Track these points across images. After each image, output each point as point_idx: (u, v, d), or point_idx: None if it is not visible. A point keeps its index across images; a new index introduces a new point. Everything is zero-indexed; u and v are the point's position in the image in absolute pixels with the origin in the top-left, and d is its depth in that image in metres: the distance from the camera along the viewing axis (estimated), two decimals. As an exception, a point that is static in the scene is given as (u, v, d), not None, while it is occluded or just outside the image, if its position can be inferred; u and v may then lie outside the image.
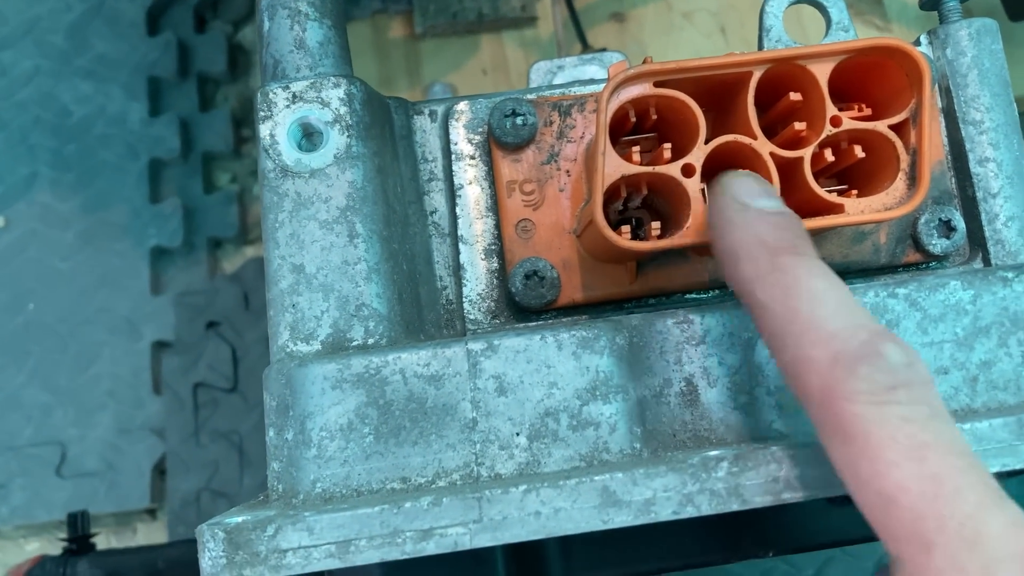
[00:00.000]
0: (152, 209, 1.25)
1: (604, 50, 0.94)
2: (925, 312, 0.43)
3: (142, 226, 1.24)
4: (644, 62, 0.44)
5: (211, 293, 1.20)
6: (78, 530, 0.91)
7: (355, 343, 0.44)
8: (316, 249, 0.45)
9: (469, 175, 0.51)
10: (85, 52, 1.32)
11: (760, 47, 0.54)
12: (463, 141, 0.51)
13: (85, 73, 1.31)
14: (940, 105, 0.52)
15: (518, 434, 0.41)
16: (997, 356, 0.43)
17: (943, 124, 0.52)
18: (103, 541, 1.16)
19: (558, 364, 0.42)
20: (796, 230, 0.39)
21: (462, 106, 0.51)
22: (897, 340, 0.35)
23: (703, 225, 0.43)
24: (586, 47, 1.00)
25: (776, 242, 0.38)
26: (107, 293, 1.21)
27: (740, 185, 0.41)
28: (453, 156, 0.51)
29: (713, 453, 0.40)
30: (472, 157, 0.51)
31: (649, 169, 0.44)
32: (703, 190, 0.47)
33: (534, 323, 0.49)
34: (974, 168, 0.50)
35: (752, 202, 0.40)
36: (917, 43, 0.53)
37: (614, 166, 0.44)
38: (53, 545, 1.12)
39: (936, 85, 0.51)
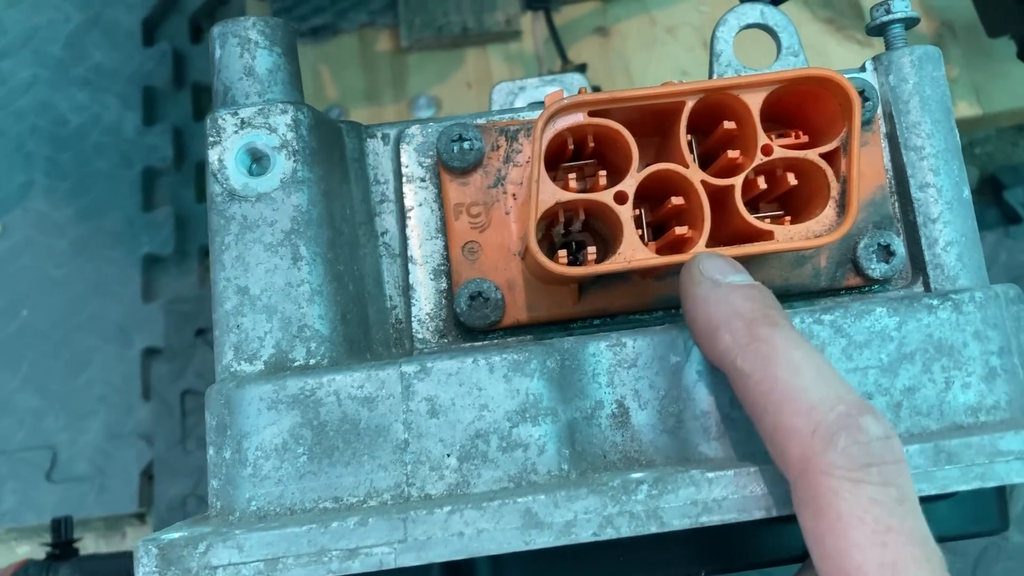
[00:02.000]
0: (145, 217, 1.27)
1: (572, 70, 0.95)
2: (850, 338, 0.44)
3: (135, 234, 1.26)
4: (580, 92, 0.45)
5: (200, 301, 1.22)
6: (62, 535, 0.92)
7: (297, 363, 0.45)
8: (261, 271, 0.46)
9: (419, 197, 0.52)
10: (82, 62, 1.34)
11: (710, 72, 0.55)
12: (414, 164, 0.52)
13: (82, 82, 1.33)
14: (884, 130, 0.52)
15: (449, 455, 0.42)
16: (921, 382, 0.44)
17: (886, 149, 0.52)
18: (92, 544, 1.18)
19: (489, 387, 0.43)
20: (769, 301, 0.41)
21: (413, 130, 0.52)
22: (875, 412, 0.36)
23: (635, 251, 0.44)
24: (566, 63, 1.01)
25: (752, 313, 0.40)
26: (99, 300, 1.23)
27: (712, 264, 0.43)
28: (404, 178, 0.52)
29: (634, 476, 0.41)
30: (422, 180, 0.52)
31: (583, 196, 0.45)
32: (638, 216, 0.48)
33: (477, 343, 0.50)
34: (915, 193, 0.51)
35: (724, 278, 0.41)
36: (862, 69, 0.53)
37: (548, 193, 0.45)
38: (43, 548, 1.14)
39: (879, 111, 0.52)
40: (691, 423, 0.43)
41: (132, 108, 1.31)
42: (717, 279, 0.41)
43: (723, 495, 0.40)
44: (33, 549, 1.18)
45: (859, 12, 1.09)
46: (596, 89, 1.03)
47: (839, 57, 1.08)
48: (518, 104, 0.74)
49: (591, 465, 0.44)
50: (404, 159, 0.52)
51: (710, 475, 0.40)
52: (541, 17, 1.02)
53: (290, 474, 0.42)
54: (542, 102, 0.55)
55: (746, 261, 0.48)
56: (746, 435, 0.43)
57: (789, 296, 0.51)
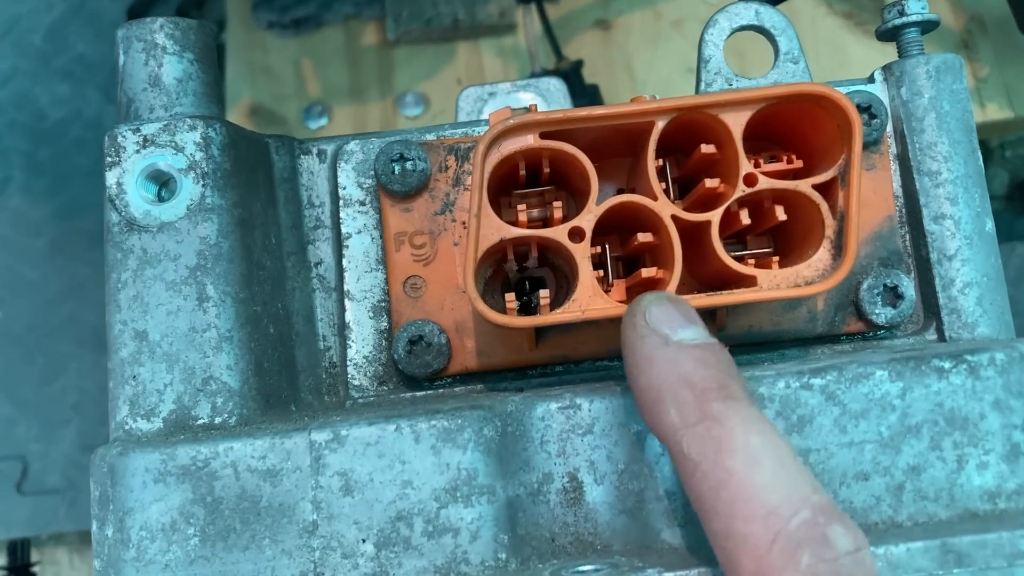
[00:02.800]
0: (126, 217, 1.21)
1: (568, 67, 0.88)
2: (844, 407, 0.37)
3: (114, 234, 1.20)
4: (529, 109, 0.39)
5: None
6: (18, 559, 0.87)
7: (200, 421, 0.39)
8: (161, 314, 0.40)
9: (358, 223, 0.45)
10: (64, 53, 1.28)
11: (697, 79, 0.48)
12: (352, 185, 0.46)
13: (63, 74, 1.27)
14: (894, 151, 0.45)
15: (364, 540, 0.36)
16: (928, 460, 0.37)
17: (896, 173, 0.45)
18: (65, 560, 1.13)
19: (414, 459, 0.36)
20: (725, 367, 0.33)
21: (352, 146, 0.46)
22: (844, 520, 0.29)
23: (592, 297, 0.38)
24: (561, 59, 0.94)
25: (703, 382, 0.32)
26: (76, 303, 1.18)
27: (659, 312, 0.35)
28: (341, 202, 0.46)
29: (582, 570, 0.34)
30: (362, 203, 0.46)
31: (532, 233, 0.38)
32: (600, 253, 0.42)
33: (419, 392, 0.44)
34: (928, 225, 0.44)
35: (673, 334, 0.34)
36: (871, 79, 0.46)
37: (492, 228, 0.38)
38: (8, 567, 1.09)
39: (889, 127, 0.45)
40: (653, 504, 0.37)
41: (114, 101, 1.25)
42: (666, 334, 0.34)
43: (685, 598, 0.33)
44: (2, 561, 1.13)
45: (881, 5, 1.01)
46: (593, 88, 0.96)
47: (859, 56, 1.00)
48: (486, 112, 0.67)
49: (536, 551, 0.37)
50: (341, 179, 0.46)
51: (668, 574, 0.33)
52: (531, 10, 0.95)
53: (179, 559, 0.36)
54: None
55: (728, 307, 0.41)
56: (717, 521, 0.36)
57: (781, 343, 0.44)
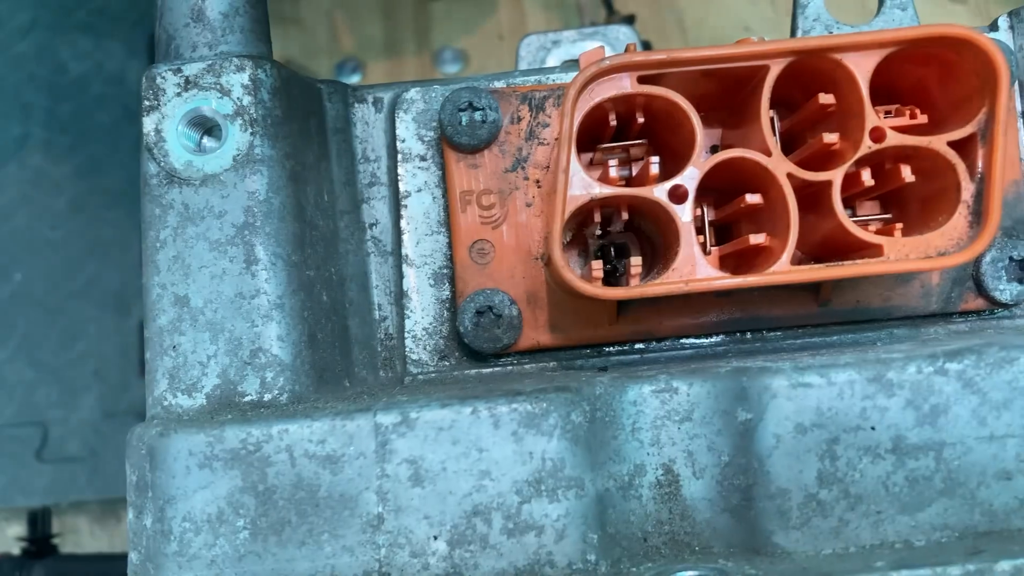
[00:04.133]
0: (149, 176, 1.16)
1: (618, 21, 0.83)
2: (984, 396, 0.32)
3: (137, 194, 1.16)
4: (627, 49, 0.34)
5: (206, 269, 1.12)
6: (38, 531, 0.84)
7: (248, 398, 0.35)
8: (205, 277, 0.36)
9: (418, 181, 0.41)
10: (85, 4, 1.23)
11: (793, 28, 0.43)
12: (412, 138, 0.41)
13: (84, 27, 1.22)
14: (1020, 108, 0.40)
15: (436, 538, 0.32)
16: (1081, 459, 0.32)
17: (1022, 132, 0.40)
18: (85, 528, 1.10)
19: (493, 447, 0.32)
20: None
21: (413, 94, 0.41)
22: None
23: (695, 267, 0.33)
24: (612, 13, 0.89)
25: None
26: (97, 265, 1.14)
27: None
28: (400, 156, 0.41)
29: (686, 575, 0.30)
30: (423, 158, 0.41)
31: (628, 192, 0.34)
32: (699, 217, 0.37)
33: (485, 369, 0.40)
34: (1060, 192, 0.39)
35: None
36: (994, 27, 0.41)
37: (581, 186, 0.34)
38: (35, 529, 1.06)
39: (1016, 84, 0.40)
40: (764, 503, 0.32)
41: (137, 56, 1.21)
42: None
43: (808, 615, 0.29)
44: (26, 530, 1.10)
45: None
46: (647, 46, 0.91)
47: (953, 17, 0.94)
48: (550, 62, 0.62)
49: (627, 552, 0.33)
50: (400, 131, 0.41)
51: (791, 586, 0.29)
52: (584, -39, 0.89)
53: (227, 554, 0.32)
54: (577, 61, 0.43)
55: (836, 280, 0.37)
56: (838, 524, 0.32)
57: (890, 320, 0.40)
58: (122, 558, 0.87)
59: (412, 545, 0.32)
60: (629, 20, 0.88)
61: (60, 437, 1.09)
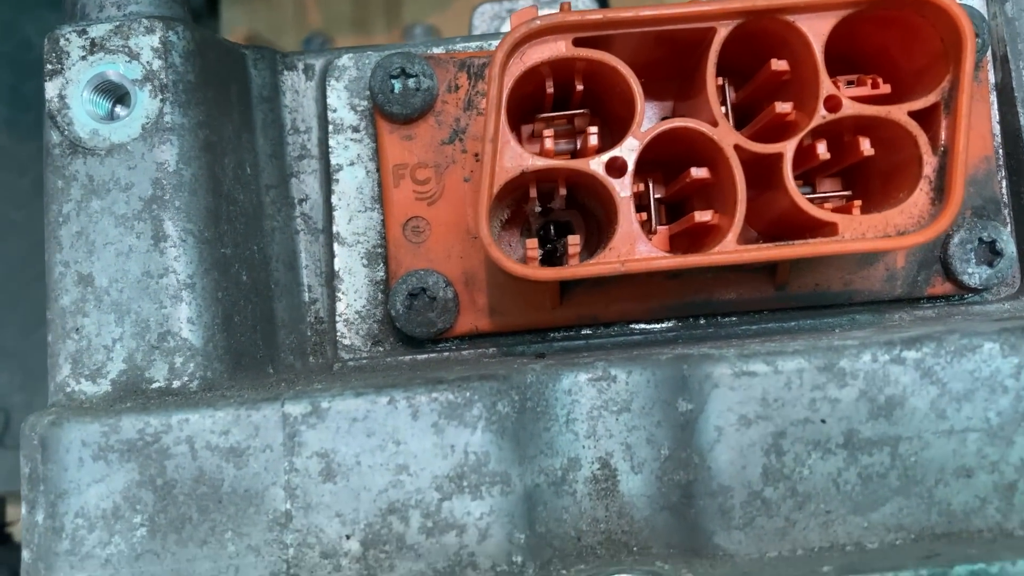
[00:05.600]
0: (115, 156, 1.14)
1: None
2: (944, 387, 0.30)
3: (103, 174, 1.13)
4: (561, 8, 0.31)
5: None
6: (-9, 519, 0.81)
7: (156, 384, 0.32)
8: (110, 254, 0.33)
9: (351, 153, 0.38)
10: (51, -21, 1.20)
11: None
12: (344, 108, 0.38)
13: (50, 3, 1.19)
14: (993, 80, 0.38)
15: (349, 537, 0.29)
16: (1047, 455, 0.30)
17: (995, 106, 0.38)
18: (49, 516, 1.08)
19: (411, 440, 0.30)
20: None
21: (345, 60, 0.39)
22: None
23: (634, 244, 0.31)
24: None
25: None
26: (62, 247, 1.11)
27: None
28: (331, 127, 0.38)
29: (619, 582, 0.28)
30: (356, 129, 0.38)
31: (562, 164, 0.31)
32: (644, 192, 0.34)
33: (420, 356, 0.37)
34: (1033, 169, 0.36)
35: None
36: (966, -6, 0.39)
37: (512, 157, 0.31)
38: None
39: (988, 54, 0.37)
40: (705, 501, 0.30)
41: (105, 33, 1.18)
42: None
43: (746, 624, 0.27)
44: (-14, 518, 1.08)
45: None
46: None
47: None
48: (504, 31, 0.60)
49: (558, 552, 0.30)
50: (332, 100, 0.38)
51: (729, 592, 0.27)
52: (557, -66, 0.86)
53: (123, 553, 0.29)
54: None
55: (793, 261, 0.34)
56: (784, 524, 0.29)
57: (852, 305, 0.37)
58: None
59: (323, 545, 0.29)
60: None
61: (23, 423, 1.06)
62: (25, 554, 0.31)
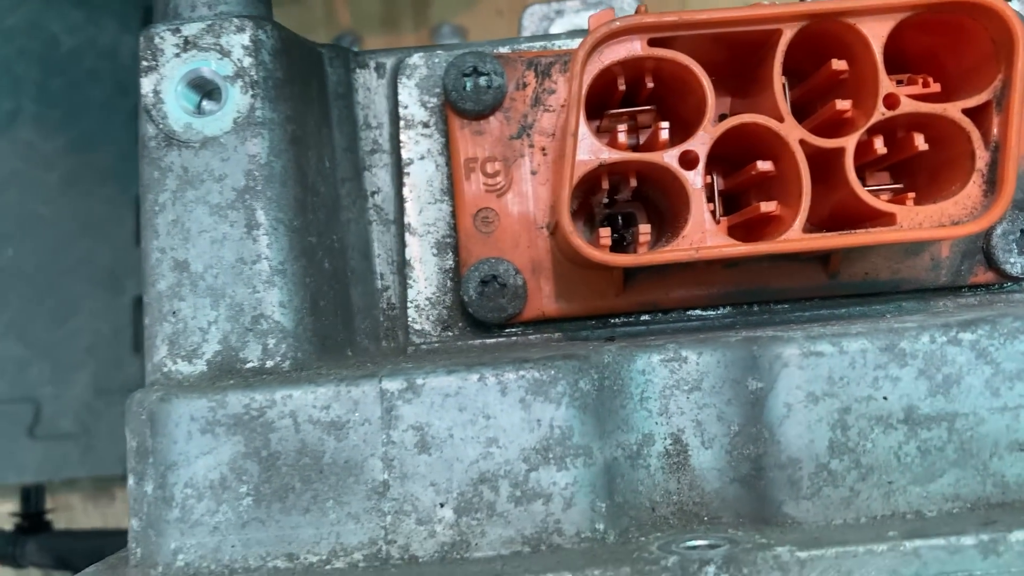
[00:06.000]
0: (141, 152, 1.15)
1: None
2: (998, 367, 0.32)
3: (130, 170, 1.14)
4: (638, 11, 0.33)
5: (199, 246, 1.11)
6: (31, 506, 0.83)
7: (249, 365, 0.34)
8: (205, 242, 0.35)
9: (421, 148, 0.40)
10: (77, -23, 1.22)
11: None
12: (415, 104, 0.40)
13: (77, 1, 1.21)
14: (1031, 79, 0.40)
15: (442, 505, 0.31)
16: (1095, 430, 0.32)
17: (1034, 104, 0.40)
18: (79, 506, 1.09)
19: (501, 415, 0.32)
20: None
21: (416, 59, 0.40)
22: None
23: (706, 234, 0.33)
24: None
25: None
26: (90, 241, 1.12)
27: None
28: (402, 123, 0.40)
29: (695, 545, 0.30)
30: (426, 125, 0.40)
31: (637, 157, 0.33)
32: (709, 185, 0.36)
33: (489, 340, 0.39)
34: (1072, 164, 0.38)
35: None
36: (1007, -3, 0.41)
37: (589, 151, 0.33)
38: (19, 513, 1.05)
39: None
40: (774, 473, 0.32)
41: (131, 31, 1.19)
42: None
43: (819, 585, 0.29)
44: (17, 507, 1.09)
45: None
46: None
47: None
48: (555, 32, 0.62)
49: (635, 521, 0.32)
50: (403, 97, 0.40)
51: (802, 555, 0.29)
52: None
53: (230, 521, 0.31)
54: (585, 30, 0.43)
55: (845, 249, 0.36)
56: (849, 494, 0.31)
57: (898, 293, 0.39)
58: (115, 534, 0.87)
59: (418, 512, 0.31)
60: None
61: (52, 414, 1.08)
62: (134, 522, 0.33)
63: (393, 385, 0.32)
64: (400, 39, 0.95)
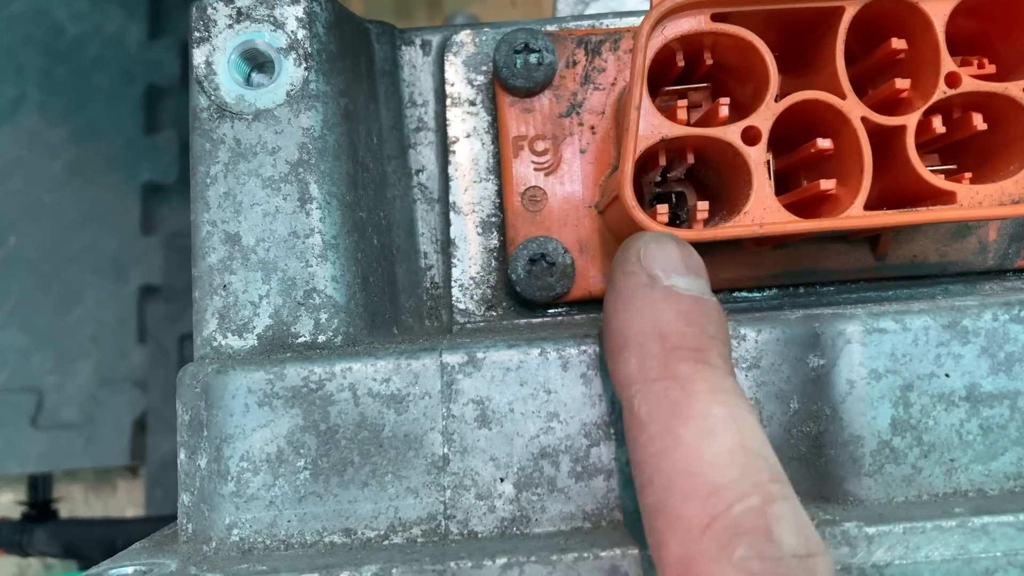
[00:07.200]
0: (147, 141, 1.14)
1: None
2: (1063, 347, 0.32)
3: (135, 159, 1.14)
4: (700, -14, 0.33)
5: (205, 236, 1.10)
6: (39, 495, 0.83)
7: (301, 339, 0.34)
8: (257, 215, 0.35)
9: (467, 126, 0.40)
10: (82, -35, 1.21)
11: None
12: (461, 82, 0.40)
13: (81, -12, 1.20)
14: (1078, 64, 0.40)
15: (503, 480, 0.31)
16: None
17: (1080, 89, 0.40)
18: (80, 497, 1.09)
19: (561, 389, 0.31)
20: (712, 326, 0.28)
21: (463, 36, 0.40)
22: (799, 515, 0.24)
23: (768, 210, 0.32)
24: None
25: (677, 338, 0.27)
26: (94, 230, 1.12)
27: (657, 251, 0.30)
28: (448, 100, 0.40)
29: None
30: (472, 103, 0.40)
31: (700, 132, 0.33)
32: (770, 163, 0.36)
33: (535, 320, 0.39)
34: (1119, 149, 0.38)
35: (665, 277, 0.29)
36: (1053, -18, 0.41)
37: (652, 125, 0.33)
38: (23, 502, 1.04)
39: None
40: (835, 450, 0.32)
41: (136, 18, 1.19)
42: (656, 275, 0.29)
43: (887, 559, 0.28)
44: (17, 497, 1.08)
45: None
46: None
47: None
48: (590, 13, 0.61)
49: (693, 498, 0.32)
50: (449, 75, 0.40)
51: (870, 530, 0.28)
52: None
53: (286, 495, 0.31)
54: (630, 11, 0.43)
55: (896, 230, 0.36)
56: (911, 472, 0.31)
57: (945, 276, 0.39)
58: (123, 522, 0.86)
59: (478, 487, 0.31)
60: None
61: (55, 404, 1.07)
62: (184, 497, 0.32)
63: (454, 359, 0.31)
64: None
